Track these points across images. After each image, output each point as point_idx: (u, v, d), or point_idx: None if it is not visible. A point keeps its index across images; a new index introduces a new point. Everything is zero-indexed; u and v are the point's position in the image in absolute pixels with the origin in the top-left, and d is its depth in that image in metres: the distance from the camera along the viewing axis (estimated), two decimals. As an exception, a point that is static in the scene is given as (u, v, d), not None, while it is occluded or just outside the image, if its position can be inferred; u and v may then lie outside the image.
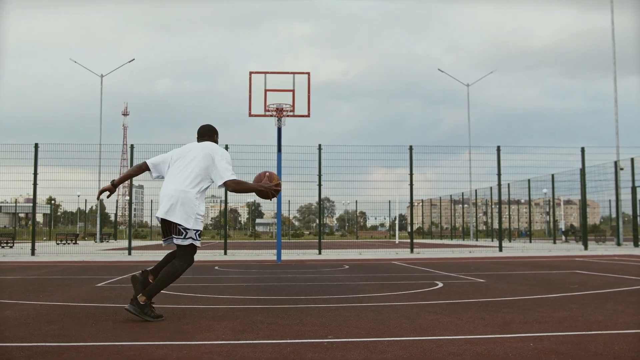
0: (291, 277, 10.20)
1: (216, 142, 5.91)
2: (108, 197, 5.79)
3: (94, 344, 4.25)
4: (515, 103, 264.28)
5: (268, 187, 5.59)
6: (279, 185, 5.70)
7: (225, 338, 4.43)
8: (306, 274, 10.95)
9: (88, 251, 22.59)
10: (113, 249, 25.06)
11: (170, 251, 5.72)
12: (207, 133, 5.88)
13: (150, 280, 5.54)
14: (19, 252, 21.41)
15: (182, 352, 3.98)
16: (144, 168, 5.75)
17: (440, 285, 8.54)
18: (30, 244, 20.61)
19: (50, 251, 22.32)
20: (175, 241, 5.45)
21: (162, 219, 5.49)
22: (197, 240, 5.46)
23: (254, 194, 5.67)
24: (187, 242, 5.43)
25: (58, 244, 32.25)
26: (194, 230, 5.43)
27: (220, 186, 5.58)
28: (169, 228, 5.53)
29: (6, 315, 5.74)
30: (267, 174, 5.69)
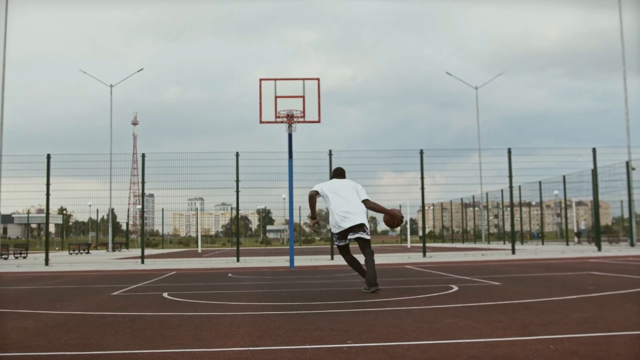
0: (306, 283, 10.20)
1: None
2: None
3: (115, 352, 4.27)
4: (523, 105, 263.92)
5: (397, 214, 8.34)
6: (402, 219, 8.41)
7: (244, 344, 4.44)
8: (320, 280, 10.95)
9: (101, 260, 22.68)
10: (126, 258, 25.15)
11: (348, 259, 8.45)
12: (343, 173, 8.79)
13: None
14: (32, 263, 21.51)
15: (202, 359, 3.99)
16: (315, 195, 8.47)
17: (456, 288, 8.52)
18: (43, 254, 20.72)
19: (63, 261, 22.42)
20: (363, 236, 8.12)
21: (350, 227, 8.09)
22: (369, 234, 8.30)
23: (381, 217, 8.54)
24: (369, 236, 8.20)
25: (71, 253, 32.39)
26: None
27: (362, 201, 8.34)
28: (354, 231, 8.11)
29: (25, 324, 5.77)
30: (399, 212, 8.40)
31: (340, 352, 4.06)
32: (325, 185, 8.49)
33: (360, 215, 8.18)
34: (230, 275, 12.91)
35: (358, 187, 8.49)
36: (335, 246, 8.97)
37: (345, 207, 8.16)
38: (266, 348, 4.29)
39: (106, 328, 5.43)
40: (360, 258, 8.32)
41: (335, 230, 8.22)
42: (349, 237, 8.13)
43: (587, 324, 5.05)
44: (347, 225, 8.05)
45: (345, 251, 8.35)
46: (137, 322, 5.81)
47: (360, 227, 8.11)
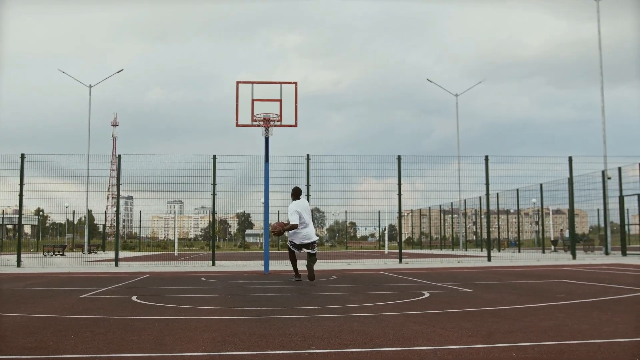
0: (277, 288, 10.12)
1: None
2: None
3: (71, 356, 4.17)
4: (505, 112, 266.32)
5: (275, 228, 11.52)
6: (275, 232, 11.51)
7: (205, 349, 4.36)
8: (293, 285, 10.86)
9: (75, 262, 22.39)
10: (100, 260, 24.86)
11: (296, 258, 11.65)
12: (301, 193, 11.70)
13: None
14: (4, 264, 21.16)
15: (160, 364, 3.91)
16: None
17: (427, 295, 8.49)
18: (16, 256, 20.40)
19: (36, 262, 22.11)
20: (314, 250, 11.25)
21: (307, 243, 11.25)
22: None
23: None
24: (315, 250, 11.38)
25: (45, 255, 31.97)
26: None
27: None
28: (307, 245, 11.25)
29: (-16, 327, 5.64)
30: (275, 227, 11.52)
31: (301, 359, 4.01)
32: (298, 212, 11.16)
33: (314, 236, 11.39)
34: (203, 279, 12.78)
35: (308, 209, 11.56)
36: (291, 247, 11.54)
37: (306, 230, 11.21)
38: (227, 353, 4.22)
39: (67, 331, 5.32)
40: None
41: (295, 242, 11.28)
42: (303, 248, 11.31)
43: (552, 332, 5.04)
44: (305, 242, 11.24)
45: (294, 252, 11.51)
46: (100, 325, 5.71)
47: (313, 244, 11.30)
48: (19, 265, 19.20)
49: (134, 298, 8.40)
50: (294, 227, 11.05)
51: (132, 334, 5.12)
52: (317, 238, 11.54)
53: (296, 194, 11.60)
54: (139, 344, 4.60)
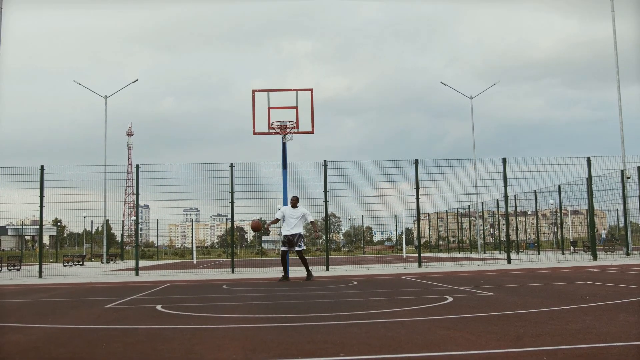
0: (300, 295, 10.15)
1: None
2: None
3: (105, 367, 4.23)
4: (519, 114, 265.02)
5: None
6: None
7: (237, 358, 4.40)
8: (315, 291, 10.90)
9: (95, 272, 22.57)
10: (120, 270, 25.04)
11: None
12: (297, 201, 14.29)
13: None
14: (26, 275, 21.40)
15: (193, 373, 3.96)
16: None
17: (450, 299, 8.49)
18: (37, 266, 20.61)
19: (57, 273, 22.30)
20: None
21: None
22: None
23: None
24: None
25: (65, 265, 32.24)
26: None
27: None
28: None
29: (16, 339, 5.72)
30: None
31: (333, 366, 4.04)
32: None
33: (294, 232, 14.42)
34: (224, 286, 12.85)
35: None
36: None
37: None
38: (258, 361, 4.26)
39: (98, 342, 5.38)
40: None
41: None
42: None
43: (580, 335, 5.03)
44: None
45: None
46: (129, 335, 5.77)
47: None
48: (40, 276, 19.39)
49: (158, 307, 8.46)
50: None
51: (162, 343, 5.17)
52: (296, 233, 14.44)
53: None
54: (171, 353, 4.65)
